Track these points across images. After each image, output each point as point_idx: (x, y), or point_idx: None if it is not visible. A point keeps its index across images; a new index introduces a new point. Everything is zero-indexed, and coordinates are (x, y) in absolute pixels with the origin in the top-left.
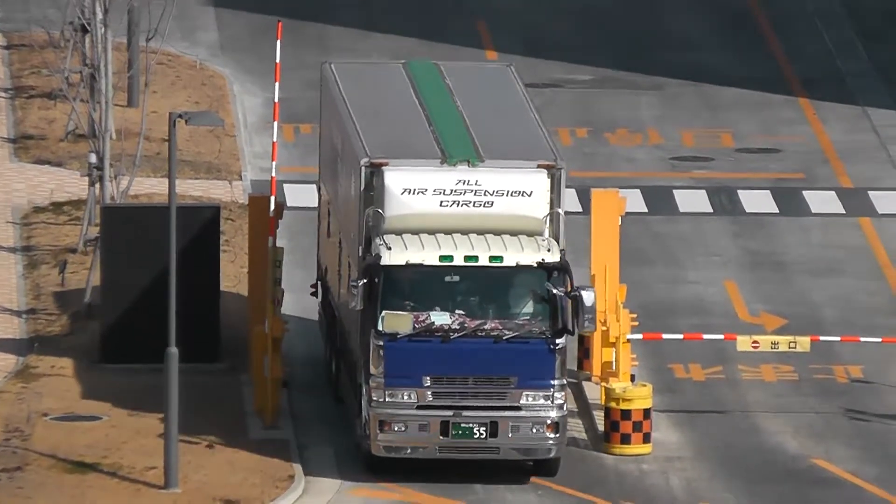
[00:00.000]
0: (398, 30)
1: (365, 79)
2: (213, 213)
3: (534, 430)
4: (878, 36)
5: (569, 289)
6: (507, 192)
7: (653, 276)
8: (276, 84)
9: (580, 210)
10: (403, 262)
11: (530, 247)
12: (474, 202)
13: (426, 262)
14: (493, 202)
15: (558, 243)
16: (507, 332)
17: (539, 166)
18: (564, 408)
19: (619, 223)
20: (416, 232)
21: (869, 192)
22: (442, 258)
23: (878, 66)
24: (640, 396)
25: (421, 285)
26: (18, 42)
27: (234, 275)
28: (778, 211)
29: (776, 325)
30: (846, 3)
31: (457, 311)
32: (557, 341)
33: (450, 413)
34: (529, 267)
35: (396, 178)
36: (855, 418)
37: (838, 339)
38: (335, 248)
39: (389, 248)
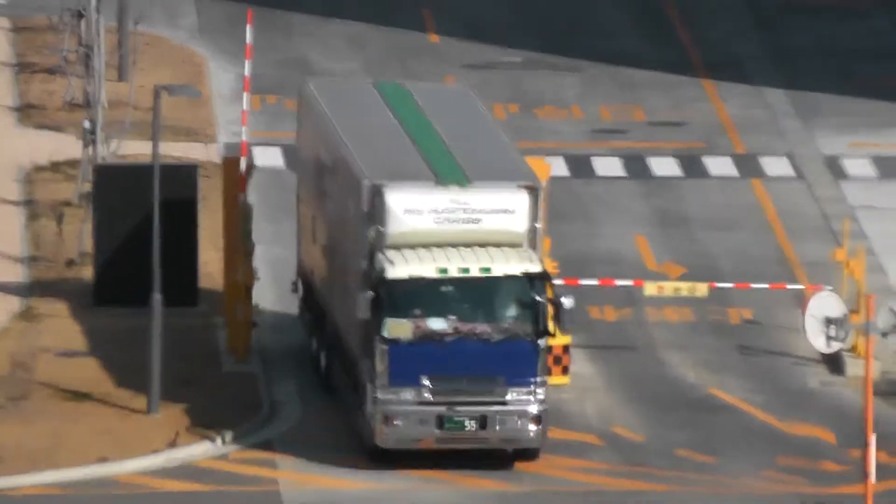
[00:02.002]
0: (353, 16)
1: (345, 99)
2: (191, 171)
3: (519, 423)
4: (771, 24)
5: (550, 295)
6: (493, 210)
7: (574, 231)
8: (247, 62)
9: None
10: (406, 276)
11: (515, 258)
12: (464, 219)
13: (425, 275)
14: (480, 219)
15: (536, 254)
16: (494, 335)
17: (520, 187)
18: (545, 402)
19: (546, 186)
20: (413, 247)
21: (759, 157)
22: (438, 270)
23: (770, 51)
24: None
25: (420, 295)
26: (23, 26)
27: (209, 227)
28: (682, 175)
29: (679, 273)
30: None
31: (451, 317)
32: (539, 342)
33: (444, 408)
34: (515, 276)
35: (397, 199)
36: (745, 354)
37: (732, 285)
38: (324, 254)
39: (392, 263)
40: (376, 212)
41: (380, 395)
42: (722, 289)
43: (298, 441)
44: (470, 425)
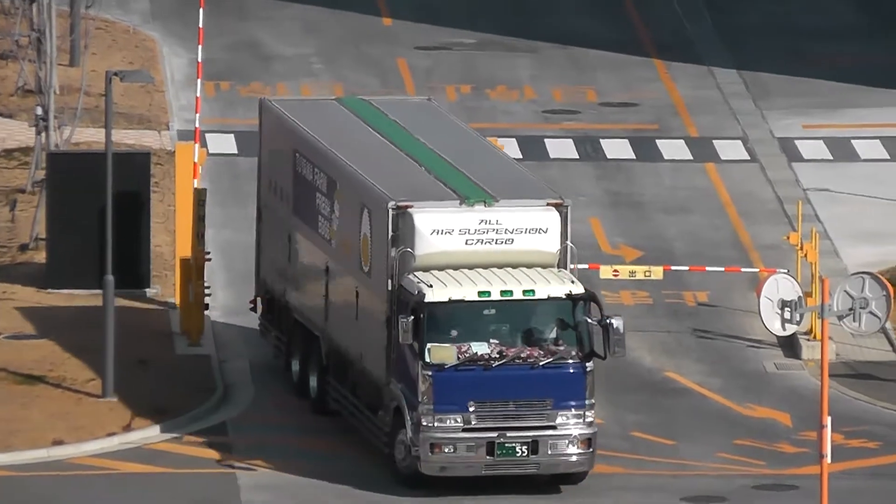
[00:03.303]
0: (307, 0)
1: (320, 118)
2: (144, 158)
3: (569, 448)
4: (721, 4)
5: (599, 316)
6: (526, 229)
7: None
8: (199, 47)
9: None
10: (446, 299)
11: (556, 280)
12: (496, 240)
13: (466, 298)
14: (513, 239)
15: (569, 273)
16: (542, 359)
17: (548, 204)
18: (594, 425)
19: None
20: (441, 268)
21: (713, 140)
22: (480, 293)
23: (721, 32)
24: None
25: (461, 319)
26: None
27: (162, 213)
28: (635, 157)
29: (633, 256)
30: None
31: (493, 341)
32: (587, 365)
33: (494, 434)
34: (559, 298)
35: (426, 220)
36: (701, 337)
37: (687, 268)
38: (312, 276)
39: (430, 286)
40: (402, 234)
41: (425, 422)
42: (677, 272)
43: (252, 423)
44: (521, 451)
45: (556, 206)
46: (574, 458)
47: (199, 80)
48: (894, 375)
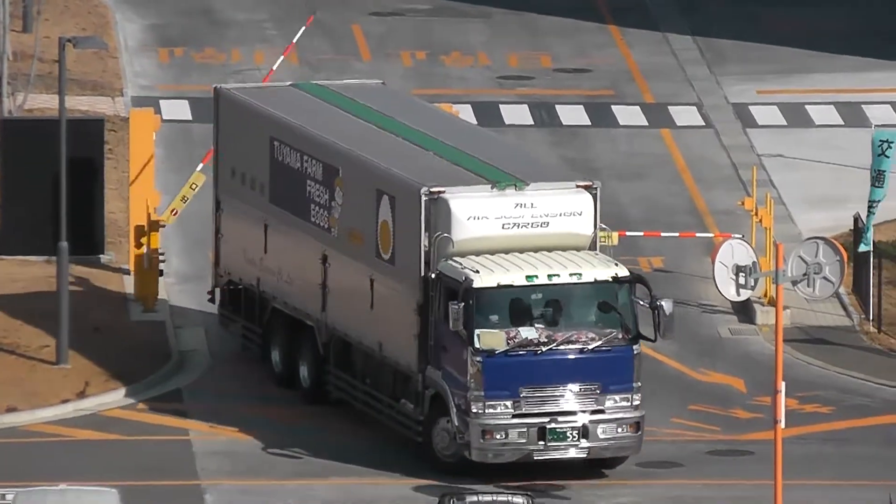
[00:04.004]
0: None
1: (292, 104)
2: (97, 125)
3: (619, 431)
4: None
5: (650, 299)
6: (561, 213)
7: None
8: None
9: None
10: (495, 284)
11: (601, 263)
12: (531, 223)
13: (515, 283)
14: (548, 222)
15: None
16: (590, 343)
17: (578, 187)
18: (641, 408)
19: None
20: (478, 254)
21: (669, 106)
22: (528, 277)
23: None
24: None
25: (509, 304)
26: None
27: (116, 179)
28: (590, 123)
29: None
30: None
31: (539, 326)
32: (634, 348)
33: (546, 419)
34: (605, 281)
35: (462, 205)
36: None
37: (642, 234)
38: (304, 264)
39: (477, 272)
40: (436, 220)
41: (475, 409)
42: (632, 237)
43: (207, 390)
44: (572, 436)
45: (587, 188)
46: (623, 442)
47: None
48: (848, 340)
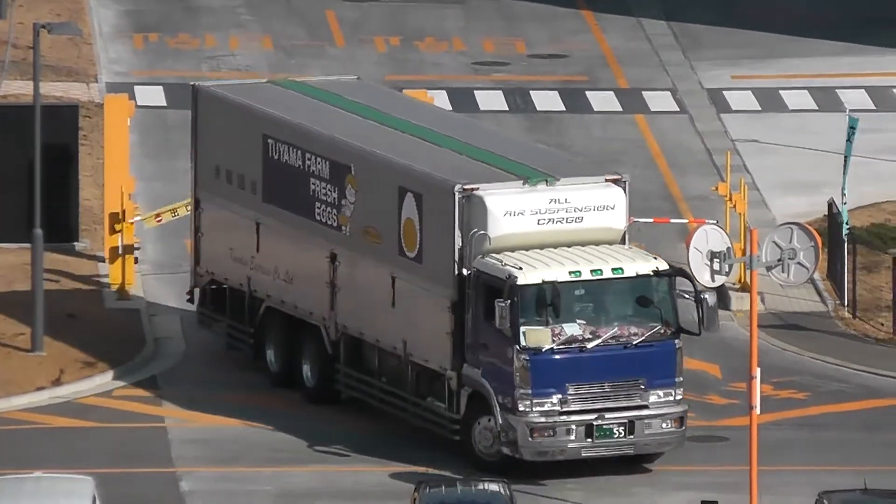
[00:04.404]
0: None
1: (283, 101)
2: (72, 111)
3: (663, 426)
4: None
5: (693, 292)
6: (594, 207)
7: None
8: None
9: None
10: (539, 281)
11: (641, 257)
12: (566, 218)
13: (559, 279)
14: (582, 217)
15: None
16: (634, 338)
17: (607, 181)
18: (683, 402)
19: None
20: (513, 250)
21: (643, 92)
22: (571, 273)
23: None
24: None
25: (553, 300)
26: None
27: (91, 166)
28: (565, 109)
29: None
30: None
31: (582, 322)
32: (676, 342)
33: (593, 416)
34: (647, 276)
35: (498, 202)
36: None
37: None
38: (308, 263)
39: (520, 268)
40: (469, 217)
41: (522, 407)
42: None
43: (182, 377)
44: (618, 432)
45: (615, 181)
46: (667, 437)
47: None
48: (822, 326)
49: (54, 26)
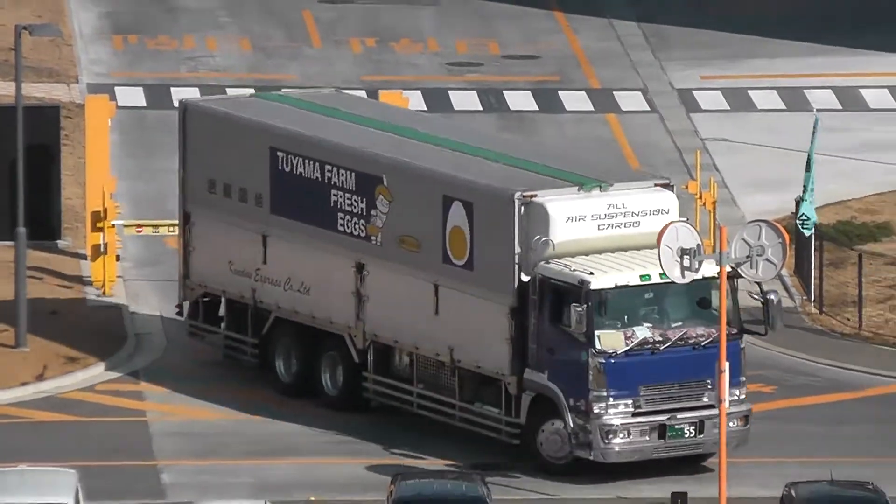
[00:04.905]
0: None
1: (288, 115)
2: (54, 111)
3: (731, 424)
4: None
5: (760, 292)
6: (651, 211)
7: None
8: None
9: None
10: (612, 285)
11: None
12: (624, 223)
13: (630, 283)
14: (639, 222)
15: None
16: (702, 340)
17: (656, 185)
18: (747, 401)
19: None
20: (575, 255)
21: (614, 91)
22: (642, 277)
23: None
24: None
25: (624, 303)
26: None
27: (72, 165)
28: (537, 108)
29: None
30: None
31: (650, 324)
32: (740, 343)
33: (665, 417)
34: (712, 278)
35: (560, 208)
36: None
37: None
38: (327, 274)
39: (592, 273)
40: (529, 224)
41: (597, 410)
42: None
43: (163, 372)
44: (689, 432)
45: (665, 185)
46: (735, 436)
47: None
48: (790, 321)
49: (35, 28)
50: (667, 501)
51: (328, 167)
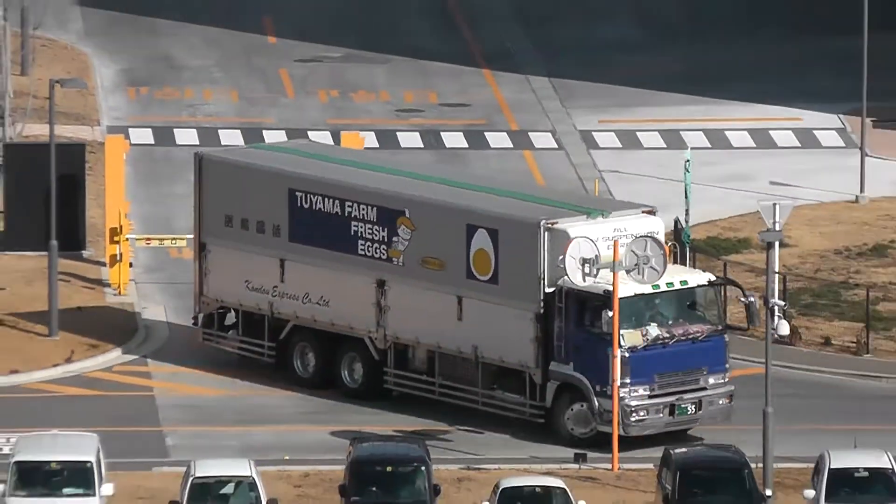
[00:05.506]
0: (208, 21)
1: (300, 163)
2: (80, 148)
3: (720, 403)
4: (536, 26)
5: (743, 296)
6: (646, 233)
7: None
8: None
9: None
10: (633, 293)
11: (692, 272)
12: (625, 244)
13: (645, 291)
14: None
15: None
16: (698, 335)
17: (643, 212)
18: (730, 383)
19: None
20: None
21: (529, 133)
22: (653, 286)
23: (535, 47)
24: None
25: (639, 307)
26: None
27: (95, 191)
28: (468, 146)
29: None
30: (511, 3)
31: (652, 324)
32: (726, 336)
33: (674, 398)
34: (704, 285)
35: (577, 232)
36: None
37: None
38: (349, 289)
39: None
40: (553, 245)
41: (622, 394)
42: None
43: (167, 356)
44: (691, 409)
45: (649, 212)
46: (724, 410)
47: None
48: None
49: (66, 81)
50: (571, 460)
51: (348, 203)
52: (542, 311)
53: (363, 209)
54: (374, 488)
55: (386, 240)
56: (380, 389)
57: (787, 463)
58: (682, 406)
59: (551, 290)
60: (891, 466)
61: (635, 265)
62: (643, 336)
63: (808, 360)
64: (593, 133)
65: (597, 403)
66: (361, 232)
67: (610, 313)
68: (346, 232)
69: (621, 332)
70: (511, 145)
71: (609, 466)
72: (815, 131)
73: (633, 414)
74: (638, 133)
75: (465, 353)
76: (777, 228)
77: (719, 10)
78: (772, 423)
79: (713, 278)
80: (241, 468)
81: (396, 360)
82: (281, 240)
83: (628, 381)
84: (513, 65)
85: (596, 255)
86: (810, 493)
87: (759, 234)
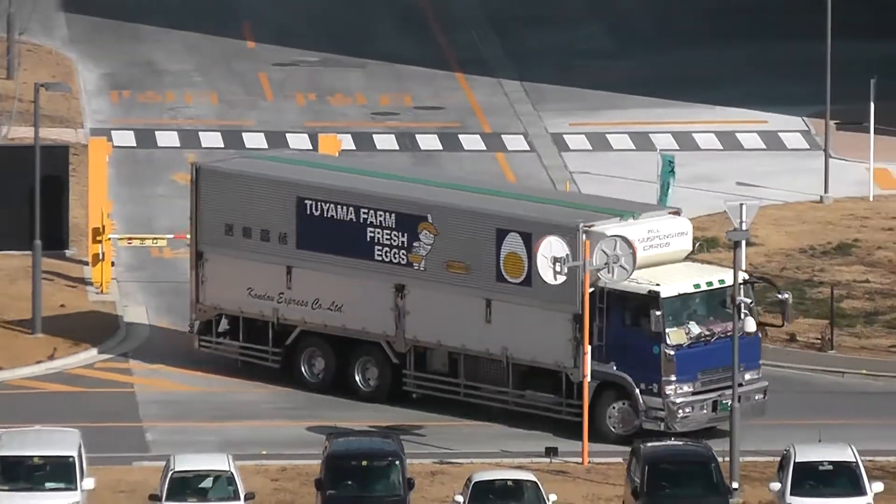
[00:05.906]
0: (189, 27)
1: (303, 171)
2: (64, 150)
3: (756, 397)
4: (509, 32)
5: (777, 293)
6: (677, 233)
7: None
8: None
9: (310, 148)
10: (676, 293)
11: (724, 271)
12: (660, 244)
13: (688, 291)
14: (669, 242)
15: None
16: (736, 332)
17: (669, 213)
18: (763, 378)
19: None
20: None
21: (502, 135)
22: (694, 286)
23: (508, 52)
24: None
25: (681, 306)
26: None
27: (78, 192)
28: (442, 148)
29: None
30: (484, 9)
31: (691, 322)
32: (759, 334)
33: (716, 394)
34: (741, 283)
35: (615, 234)
36: None
37: None
38: (364, 293)
39: (658, 284)
40: (592, 248)
41: (668, 391)
42: None
43: (147, 354)
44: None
45: (676, 213)
46: (759, 405)
47: None
48: None
49: (50, 85)
50: (542, 454)
51: (364, 210)
52: (579, 312)
53: (381, 215)
54: (349, 482)
55: (406, 245)
56: (397, 392)
57: (753, 457)
58: (724, 402)
59: (590, 290)
60: (855, 460)
61: (605, 264)
62: (686, 334)
63: (774, 357)
64: (564, 135)
65: (641, 401)
66: (379, 238)
67: (658, 312)
68: (361, 238)
69: (668, 330)
70: (484, 147)
71: (579, 460)
72: (780, 133)
73: (680, 411)
74: (607, 135)
75: (493, 354)
76: (744, 228)
77: (687, 17)
78: (738, 417)
79: (746, 276)
80: (219, 463)
81: (417, 362)
82: (288, 247)
83: (674, 378)
84: (486, 69)
85: (567, 254)
86: (776, 485)
87: (727, 233)
